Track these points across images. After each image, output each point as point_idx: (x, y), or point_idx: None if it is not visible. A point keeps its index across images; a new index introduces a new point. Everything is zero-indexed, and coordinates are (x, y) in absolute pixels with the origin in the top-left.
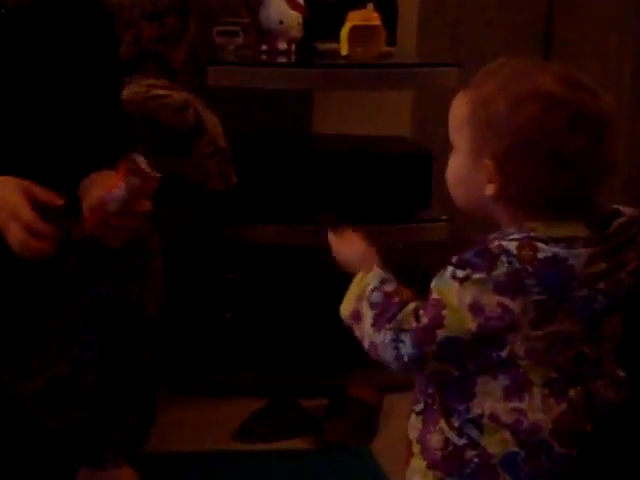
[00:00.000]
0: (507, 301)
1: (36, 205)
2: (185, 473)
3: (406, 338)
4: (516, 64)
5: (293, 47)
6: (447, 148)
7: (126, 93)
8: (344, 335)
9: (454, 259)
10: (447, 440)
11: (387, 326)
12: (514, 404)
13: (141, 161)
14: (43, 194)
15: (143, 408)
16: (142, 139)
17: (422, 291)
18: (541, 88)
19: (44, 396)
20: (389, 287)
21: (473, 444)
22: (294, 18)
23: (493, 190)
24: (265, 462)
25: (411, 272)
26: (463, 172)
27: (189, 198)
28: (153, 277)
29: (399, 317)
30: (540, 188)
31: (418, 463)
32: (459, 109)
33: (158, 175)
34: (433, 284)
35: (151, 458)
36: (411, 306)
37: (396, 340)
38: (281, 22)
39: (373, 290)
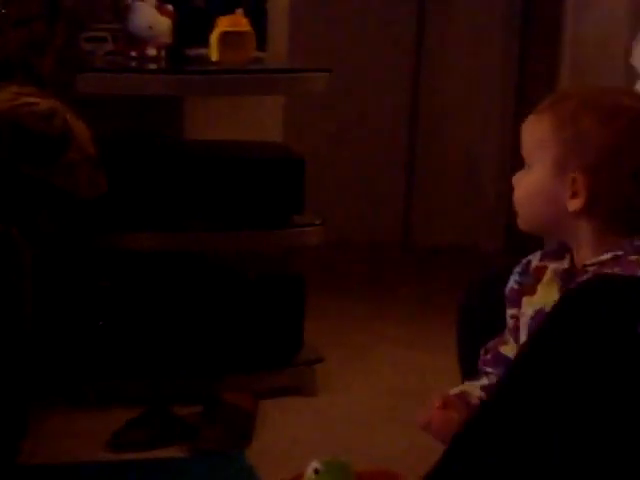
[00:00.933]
0: None
1: None
2: None
3: None
4: (586, 87)
5: (163, 53)
6: (320, 153)
7: None
8: (217, 342)
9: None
10: None
11: None
12: None
13: None
14: None
15: (14, 422)
16: (9, 147)
17: None
18: (624, 104)
19: None
20: None
21: None
22: (163, 24)
23: (578, 205)
24: (140, 472)
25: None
26: (542, 187)
27: (59, 206)
28: (26, 294)
29: None
30: (628, 202)
31: None
32: (538, 128)
33: None
34: None
35: (24, 470)
36: None
37: None
38: (150, 28)
39: None
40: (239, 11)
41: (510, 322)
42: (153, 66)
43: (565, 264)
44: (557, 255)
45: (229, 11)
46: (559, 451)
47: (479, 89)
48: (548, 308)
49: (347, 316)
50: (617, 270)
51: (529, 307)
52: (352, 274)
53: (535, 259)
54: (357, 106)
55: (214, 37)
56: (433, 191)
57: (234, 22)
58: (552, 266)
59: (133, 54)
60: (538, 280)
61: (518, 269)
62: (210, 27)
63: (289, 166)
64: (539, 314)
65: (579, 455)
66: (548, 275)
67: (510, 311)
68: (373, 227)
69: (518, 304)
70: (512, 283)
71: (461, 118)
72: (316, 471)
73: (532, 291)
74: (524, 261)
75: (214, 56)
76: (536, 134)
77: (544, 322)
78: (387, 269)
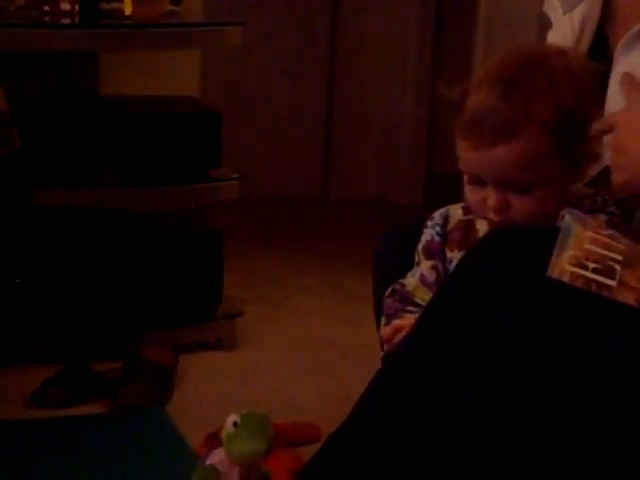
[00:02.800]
0: None
1: None
2: None
3: None
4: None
5: (77, 7)
6: (238, 107)
7: None
8: (137, 298)
9: None
10: None
11: None
12: None
13: None
14: None
15: None
16: None
17: None
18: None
19: None
20: None
21: None
22: None
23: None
24: (60, 429)
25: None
26: (557, 191)
27: None
28: None
29: None
30: None
31: None
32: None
33: None
34: None
35: None
36: None
37: None
38: None
39: None
40: None
41: (430, 274)
42: (67, 21)
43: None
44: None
45: None
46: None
47: (397, 41)
48: None
49: (266, 270)
50: None
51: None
52: (271, 228)
53: (457, 213)
54: (276, 60)
55: None
56: (352, 145)
57: None
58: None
59: (46, 9)
60: (468, 233)
61: (438, 221)
62: None
63: (205, 121)
64: None
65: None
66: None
67: (429, 262)
68: (292, 182)
69: (439, 256)
70: (431, 235)
71: (379, 72)
72: (235, 424)
73: (461, 245)
74: (440, 213)
75: (127, 10)
76: (518, 156)
77: (446, 279)
78: (306, 223)
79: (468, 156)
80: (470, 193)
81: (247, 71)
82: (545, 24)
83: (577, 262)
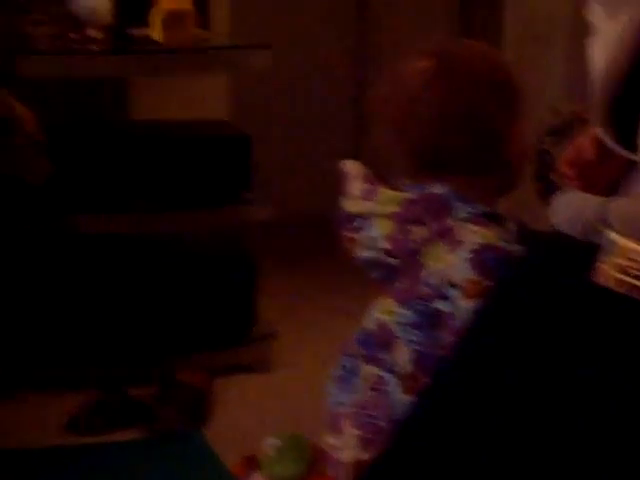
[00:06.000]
0: None
1: None
2: (18, 470)
3: None
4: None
5: (105, 34)
6: (266, 130)
7: None
8: (171, 322)
9: None
10: None
11: None
12: None
13: None
14: None
15: None
16: None
17: None
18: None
19: None
20: None
21: None
22: (104, 4)
23: None
24: (98, 455)
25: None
26: None
27: (5, 191)
28: None
29: None
30: None
31: None
32: None
33: None
34: None
35: None
36: None
37: None
38: (91, 9)
39: None
40: None
41: None
42: (95, 47)
43: None
44: None
45: None
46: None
47: None
48: None
49: (298, 291)
50: None
51: None
52: (303, 249)
53: None
54: (303, 79)
55: (156, 16)
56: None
57: (176, 0)
58: None
59: (74, 36)
60: None
61: None
62: (151, 5)
63: (236, 143)
64: None
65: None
66: None
67: None
68: (323, 201)
69: None
70: None
71: None
72: (273, 447)
73: None
74: None
75: (156, 36)
76: None
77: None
78: (338, 244)
79: None
80: None
81: (275, 92)
82: (588, 30)
83: (621, 269)
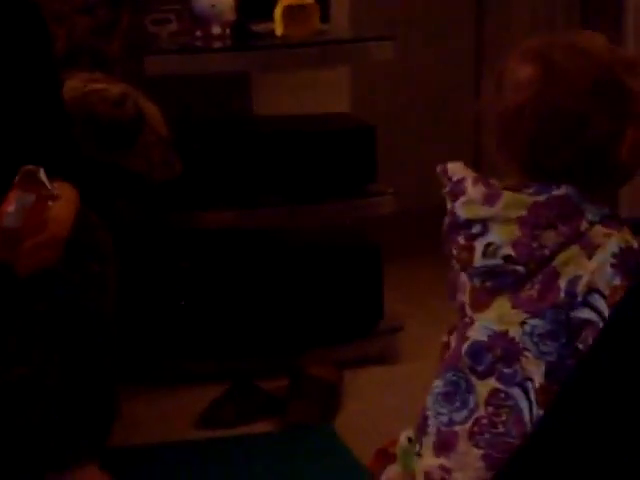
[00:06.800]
0: None
1: None
2: (150, 465)
3: None
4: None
5: (228, 30)
6: (388, 120)
7: (65, 89)
8: (299, 315)
9: None
10: None
11: None
12: None
13: (41, 177)
14: None
15: (105, 406)
16: (84, 134)
17: None
18: None
19: (3, 398)
20: None
21: None
22: (226, 1)
23: None
24: (230, 448)
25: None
26: None
27: (136, 189)
28: (110, 281)
29: None
30: None
31: None
32: None
33: (56, 194)
34: None
35: (116, 453)
36: None
37: None
38: (213, 6)
39: None
40: None
41: None
42: (219, 44)
43: None
44: None
45: None
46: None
47: None
48: None
49: (425, 283)
50: None
51: None
52: (428, 241)
53: None
54: (422, 70)
55: (278, 11)
56: None
57: None
58: None
59: (198, 33)
60: None
61: None
62: (274, 1)
63: (360, 135)
64: None
65: None
66: None
67: None
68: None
69: None
70: None
71: None
72: (409, 439)
73: None
74: None
75: (279, 30)
76: None
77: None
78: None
79: None
80: None
81: (395, 83)
82: None
83: None
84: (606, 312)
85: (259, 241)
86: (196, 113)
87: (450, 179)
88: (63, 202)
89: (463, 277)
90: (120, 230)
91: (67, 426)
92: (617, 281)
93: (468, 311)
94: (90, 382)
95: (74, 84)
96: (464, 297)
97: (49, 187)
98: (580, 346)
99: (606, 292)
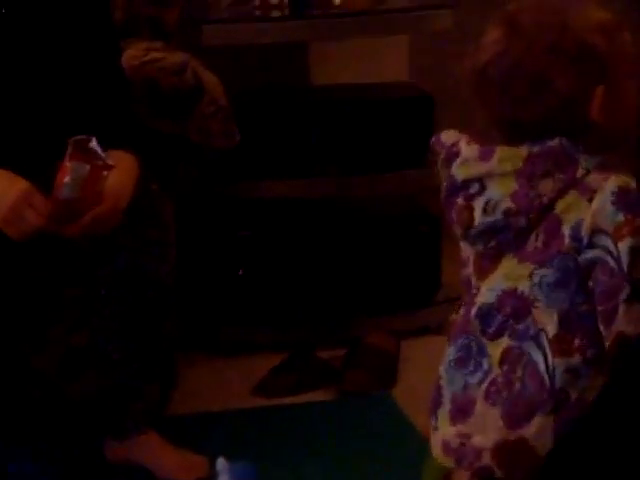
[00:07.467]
0: None
1: None
2: (209, 433)
3: None
4: None
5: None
6: (447, 90)
7: (124, 59)
8: (357, 285)
9: None
10: None
11: None
12: None
13: (93, 146)
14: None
15: (164, 374)
16: (143, 103)
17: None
18: None
19: (63, 365)
20: None
21: None
22: None
23: None
24: (288, 416)
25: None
26: None
27: (195, 158)
28: (170, 249)
29: None
30: None
31: None
32: None
33: (110, 163)
34: None
35: (175, 421)
36: None
37: None
38: None
39: None
40: None
41: None
42: (277, 13)
43: None
44: None
45: None
46: None
47: None
48: None
49: None
50: None
51: None
52: None
53: None
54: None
55: None
56: None
57: None
58: None
59: (256, 2)
60: None
61: None
62: None
63: (419, 104)
64: None
65: None
66: None
67: None
68: None
69: None
70: None
71: None
72: None
73: None
74: None
75: None
76: None
77: None
78: None
79: None
80: None
81: (454, 52)
82: None
83: None
84: (614, 249)
85: (317, 211)
86: (253, 83)
87: (444, 145)
88: (120, 171)
89: (466, 251)
90: (180, 199)
91: (126, 394)
92: (620, 217)
93: (474, 282)
94: (149, 350)
95: (133, 53)
96: (469, 269)
97: (102, 156)
98: (592, 285)
99: (610, 230)
